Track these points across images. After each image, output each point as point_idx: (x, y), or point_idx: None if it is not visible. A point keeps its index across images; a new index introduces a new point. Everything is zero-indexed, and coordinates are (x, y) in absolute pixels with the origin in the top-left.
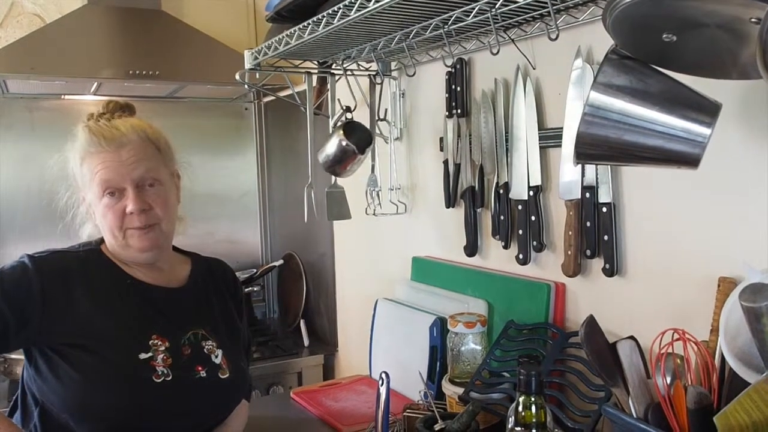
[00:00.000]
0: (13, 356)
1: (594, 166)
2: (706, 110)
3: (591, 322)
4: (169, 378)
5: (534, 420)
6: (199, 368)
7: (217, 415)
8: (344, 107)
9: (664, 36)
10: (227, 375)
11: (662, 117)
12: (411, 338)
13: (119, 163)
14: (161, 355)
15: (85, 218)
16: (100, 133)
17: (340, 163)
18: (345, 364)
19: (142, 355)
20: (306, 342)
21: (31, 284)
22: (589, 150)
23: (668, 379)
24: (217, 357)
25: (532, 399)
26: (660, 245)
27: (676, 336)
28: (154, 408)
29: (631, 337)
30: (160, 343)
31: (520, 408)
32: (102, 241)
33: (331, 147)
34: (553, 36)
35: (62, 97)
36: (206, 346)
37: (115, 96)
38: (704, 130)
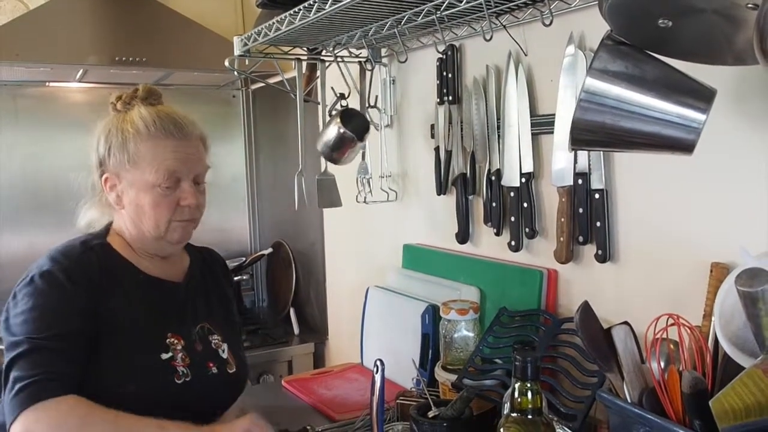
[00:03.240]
0: None
1: (586, 152)
2: (701, 96)
3: (586, 308)
4: (189, 378)
5: (530, 406)
6: (211, 365)
7: (224, 409)
8: (338, 94)
9: (660, 21)
10: (234, 369)
11: (658, 103)
12: (403, 326)
13: (185, 155)
14: (180, 354)
15: (92, 202)
16: (169, 117)
17: (337, 150)
18: (336, 352)
19: (164, 356)
20: (296, 330)
21: (74, 297)
22: (584, 136)
23: (662, 364)
24: (224, 352)
25: (528, 385)
26: (652, 231)
27: (671, 321)
28: (175, 409)
29: (625, 323)
30: (176, 341)
31: (516, 394)
32: (106, 232)
33: (330, 134)
34: (547, 22)
35: (47, 84)
36: (213, 341)
37: (102, 84)
38: (699, 116)
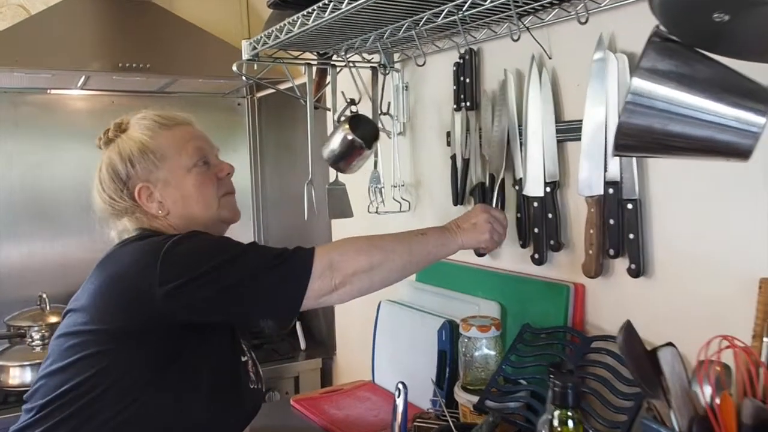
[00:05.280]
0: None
1: (618, 159)
2: (760, 97)
3: (629, 328)
4: (257, 386)
5: None
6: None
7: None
8: (349, 100)
9: (716, 15)
10: (258, 386)
11: (712, 105)
12: (417, 342)
13: (200, 135)
14: (249, 360)
15: (127, 210)
16: (165, 113)
17: (344, 159)
18: (344, 369)
19: (243, 357)
20: (302, 345)
21: None
22: (629, 141)
23: (709, 389)
24: (252, 366)
25: (569, 413)
26: (691, 244)
27: (725, 343)
28: (244, 418)
29: (671, 344)
30: (244, 347)
31: (556, 422)
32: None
33: (336, 141)
34: (583, 20)
35: (48, 91)
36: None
37: (104, 91)
38: (758, 119)
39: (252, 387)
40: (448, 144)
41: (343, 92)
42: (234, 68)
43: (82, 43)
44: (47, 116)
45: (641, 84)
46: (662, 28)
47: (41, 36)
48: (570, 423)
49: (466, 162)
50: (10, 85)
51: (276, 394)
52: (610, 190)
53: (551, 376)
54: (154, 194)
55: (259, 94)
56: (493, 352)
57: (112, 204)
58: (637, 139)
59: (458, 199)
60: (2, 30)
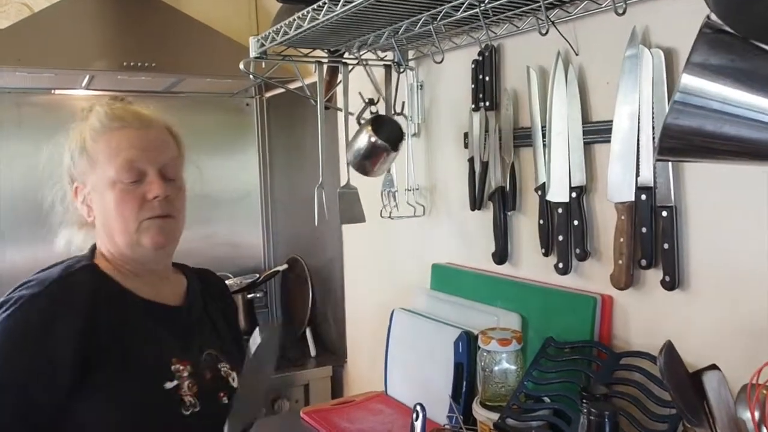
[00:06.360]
0: None
1: (651, 163)
2: None
3: (670, 349)
4: (197, 409)
5: None
6: (222, 395)
7: None
8: (367, 100)
9: None
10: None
11: None
12: (432, 353)
13: (147, 143)
14: (186, 382)
15: (66, 218)
16: (124, 111)
17: (370, 161)
18: (355, 377)
19: (168, 385)
20: (312, 352)
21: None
22: (676, 144)
23: (756, 416)
24: (233, 380)
25: None
26: (733, 255)
27: None
28: None
29: (715, 366)
30: (182, 367)
31: None
32: (92, 254)
33: (360, 143)
34: (621, 10)
35: (52, 91)
36: (222, 369)
37: (109, 91)
38: None
39: (186, 413)
40: (466, 146)
41: (360, 93)
42: (241, 67)
43: (86, 42)
44: (51, 117)
45: (691, 81)
46: (714, 18)
47: (44, 34)
48: None
49: (484, 165)
50: (14, 85)
51: (285, 402)
52: (643, 196)
53: (584, 401)
54: (85, 197)
55: (268, 95)
56: (513, 367)
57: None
58: (685, 142)
59: (476, 204)
60: (5, 28)
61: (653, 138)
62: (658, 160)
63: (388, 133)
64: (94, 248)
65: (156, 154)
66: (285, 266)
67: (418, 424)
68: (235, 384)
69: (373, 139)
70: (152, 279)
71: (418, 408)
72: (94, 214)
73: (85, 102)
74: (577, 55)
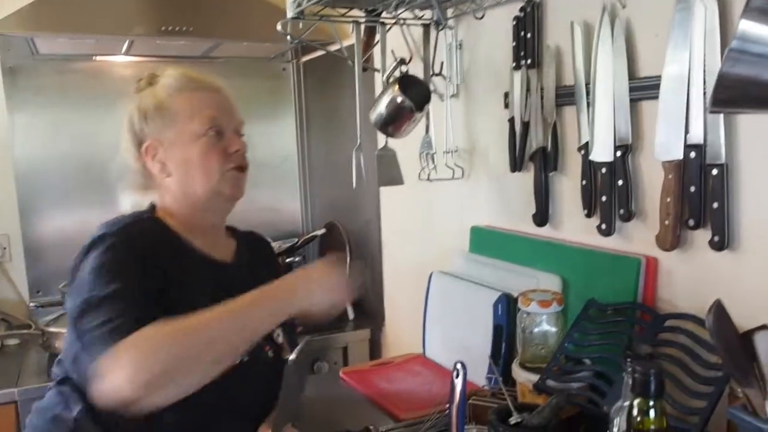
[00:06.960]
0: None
1: (702, 119)
2: None
3: (719, 308)
4: (246, 358)
5: (652, 427)
6: (267, 348)
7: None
8: (398, 59)
9: None
10: (289, 356)
11: None
12: (471, 315)
13: (222, 105)
14: None
15: (132, 185)
16: (197, 75)
17: (394, 122)
18: (394, 340)
19: None
20: (350, 315)
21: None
22: (731, 95)
23: None
24: (279, 336)
25: (651, 403)
26: None
27: None
28: (223, 398)
29: (766, 326)
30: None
31: (636, 413)
32: (152, 209)
33: (384, 104)
34: None
35: (94, 58)
36: None
37: (148, 56)
38: None
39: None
40: (506, 106)
41: (393, 51)
42: (278, 27)
43: (125, 7)
44: (94, 84)
45: (751, 27)
46: None
47: (84, 0)
48: (651, 413)
49: (525, 125)
50: (57, 51)
51: (325, 364)
52: (692, 154)
53: (628, 360)
54: (159, 154)
55: (305, 59)
56: (554, 329)
57: (125, 157)
58: (741, 92)
59: (516, 165)
60: None
61: (704, 93)
62: (711, 111)
63: (414, 93)
64: (152, 206)
65: (231, 115)
66: (323, 230)
67: (458, 382)
68: (280, 340)
69: (398, 99)
70: (208, 235)
71: (459, 366)
72: (168, 169)
73: (124, 69)
74: (623, 8)
